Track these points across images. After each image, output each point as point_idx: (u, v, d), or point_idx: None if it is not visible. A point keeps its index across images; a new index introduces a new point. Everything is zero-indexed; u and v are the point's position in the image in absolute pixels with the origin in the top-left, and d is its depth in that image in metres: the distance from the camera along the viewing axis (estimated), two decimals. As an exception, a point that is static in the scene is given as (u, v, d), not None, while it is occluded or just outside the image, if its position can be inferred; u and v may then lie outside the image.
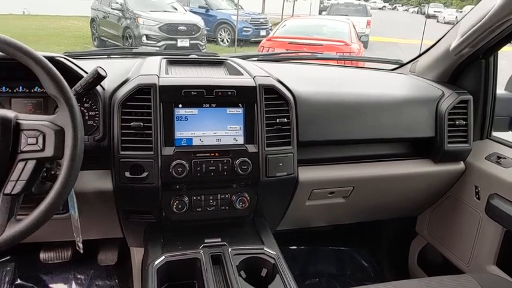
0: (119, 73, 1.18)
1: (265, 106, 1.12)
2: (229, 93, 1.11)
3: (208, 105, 1.11)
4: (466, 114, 1.37)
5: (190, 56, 1.56)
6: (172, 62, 1.36)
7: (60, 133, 0.80)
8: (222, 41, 10.83)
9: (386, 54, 9.51)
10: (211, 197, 1.15)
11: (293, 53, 1.72)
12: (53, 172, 0.93)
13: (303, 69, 1.64)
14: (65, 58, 1.08)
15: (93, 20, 9.75)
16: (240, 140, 1.13)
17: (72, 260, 1.59)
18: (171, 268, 1.05)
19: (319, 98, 1.25)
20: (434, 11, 23.36)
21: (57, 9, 12.52)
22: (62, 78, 0.82)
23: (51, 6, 12.59)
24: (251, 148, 1.12)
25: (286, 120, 1.14)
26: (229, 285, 0.97)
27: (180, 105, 1.10)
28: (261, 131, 1.12)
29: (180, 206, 1.12)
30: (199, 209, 1.15)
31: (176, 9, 9.65)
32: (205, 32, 9.36)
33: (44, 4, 12.64)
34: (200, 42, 9.04)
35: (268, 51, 5.58)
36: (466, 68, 1.43)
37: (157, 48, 8.10)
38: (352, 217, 1.54)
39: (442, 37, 1.44)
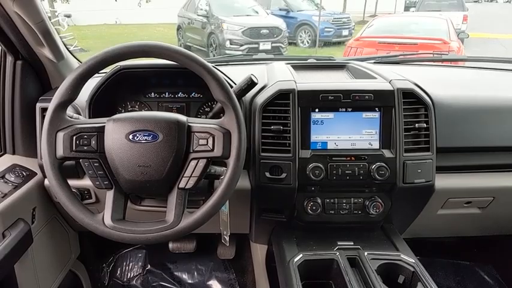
0: None
1: (404, 110, 1.10)
2: (367, 97, 1.11)
3: (344, 110, 1.13)
4: None
5: (308, 61, 1.59)
6: (295, 67, 1.40)
7: (227, 135, 0.87)
8: (302, 42, 10.80)
9: (486, 51, 8.65)
10: (344, 201, 1.16)
11: (413, 54, 1.67)
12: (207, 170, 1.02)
13: (431, 72, 1.57)
14: None
15: (179, 27, 10.26)
16: (375, 145, 1.13)
17: (195, 251, 1.72)
18: (308, 266, 1.09)
19: (457, 102, 1.20)
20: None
21: (145, 18, 13.50)
22: (229, 86, 0.89)
23: (140, 15, 13.65)
24: (387, 153, 1.11)
25: (425, 125, 1.11)
26: None
27: (317, 110, 1.13)
28: (399, 136, 1.10)
29: (314, 208, 1.15)
30: (332, 212, 1.17)
31: (257, 12, 9.83)
32: (287, 34, 9.41)
33: (133, 14, 13.76)
34: (282, 45, 9.10)
35: (356, 51, 5.45)
36: None
37: (240, 52, 8.32)
38: (484, 229, 1.44)
39: None
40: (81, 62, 1.40)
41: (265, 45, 8.81)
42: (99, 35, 10.85)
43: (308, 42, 10.62)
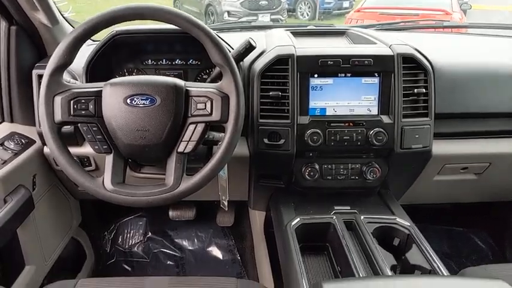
0: None
1: (403, 76, 1.10)
2: (366, 62, 1.10)
3: (343, 75, 1.12)
4: None
5: (308, 27, 1.56)
6: (295, 34, 1.38)
7: (225, 99, 0.87)
8: (302, 14, 10.56)
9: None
10: (341, 166, 1.17)
11: (415, 21, 1.64)
12: (205, 136, 1.02)
13: (432, 38, 1.56)
14: None
15: (176, -1, 10.06)
16: (374, 111, 1.13)
17: (195, 219, 1.76)
18: (306, 230, 1.11)
19: (456, 68, 1.19)
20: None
21: (142, -11, 13.07)
22: (227, 49, 0.88)
23: (137, -13, 13.22)
24: (386, 119, 1.11)
25: (424, 90, 1.10)
26: (368, 251, 0.99)
27: (316, 75, 1.12)
28: (398, 101, 1.10)
29: (312, 173, 1.16)
30: (330, 177, 1.18)
31: (256, -17, 9.52)
32: (286, 6, 9.20)
33: (129, -15, 13.33)
34: (281, 17, 8.92)
35: (357, 23, 5.36)
36: None
37: (239, 25, 8.11)
38: (479, 196, 1.46)
39: None
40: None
41: (264, 17, 8.62)
42: (94, 9, 10.60)
43: (308, 15, 10.37)
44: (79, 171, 0.87)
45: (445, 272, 0.92)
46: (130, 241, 1.81)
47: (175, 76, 1.28)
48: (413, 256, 1.00)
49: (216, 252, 1.77)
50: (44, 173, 1.27)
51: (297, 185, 1.22)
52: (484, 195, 1.46)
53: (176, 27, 0.88)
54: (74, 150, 1.21)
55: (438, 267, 0.94)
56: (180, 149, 0.89)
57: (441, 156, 1.20)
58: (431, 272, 0.94)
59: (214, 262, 1.75)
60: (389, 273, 0.92)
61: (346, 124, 1.11)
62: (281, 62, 1.11)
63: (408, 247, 1.05)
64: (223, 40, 1.16)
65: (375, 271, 0.95)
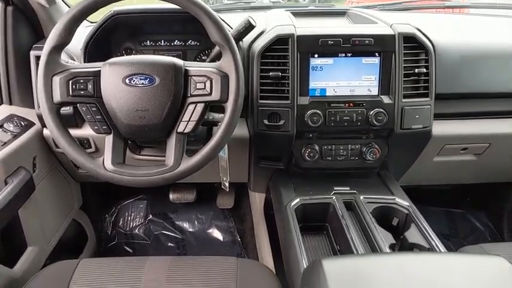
0: None
1: (404, 55, 1.09)
2: (367, 41, 1.09)
3: (343, 55, 1.11)
4: None
5: (308, 8, 1.54)
6: (295, 14, 1.36)
7: (225, 79, 0.86)
8: (302, -4, 10.40)
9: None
10: (341, 147, 1.17)
11: (416, 1, 1.62)
12: (205, 117, 1.02)
13: (434, 18, 1.54)
14: None
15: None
16: (374, 91, 1.12)
17: (196, 201, 1.77)
18: (305, 210, 1.12)
19: (458, 48, 1.18)
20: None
21: (141, -26, 12.84)
22: (226, 28, 0.87)
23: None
24: (386, 99, 1.10)
25: (425, 70, 1.10)
26: (367, 230, 1.00)
27: (316, 55, 1.11)
28: (398, 81, 1.09)
29: (311, 154, 1.16)
30: (330, 158, 1.18)
31: (255, -37, 9.33)
32: (286, -12, 9.05)
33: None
34: (281, 0, 8.79)
35: (358, 4, 5.28)
36: None
37: (238, 7, 8.02)
38: (479, 177, 1.46)
39: None
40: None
41: (264, 0, 8.49)
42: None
43: (308, -2, 10.21)
44: (79, 152, 0.87)
45: (443, 250, 0.93)
46: (132, 223, 1.83)
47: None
48: (412, 235, 1.01)
49: (216, 233, 1.79)
50: (44, 155, 1.28)
51: (296, 166, 1.23)
52: (483, 177, 1.46)
53: (175, 6, 0.87)
54: (73, 132, 1.21)
55: (436, 245, 0.95)
56: (180, 129, 0.88)
57: (441, 137, 1.20)
58: (430, 250, 0.95)
59: (215, 243, 1.77)
60: (388, 251, 0.93)
61: (346, 104, 1.11)
62: (281, 41, 1.09)
63: (407, 227, 1.05)
64: (222, 20, 1.14)
65: (373, 250, 0.96)
